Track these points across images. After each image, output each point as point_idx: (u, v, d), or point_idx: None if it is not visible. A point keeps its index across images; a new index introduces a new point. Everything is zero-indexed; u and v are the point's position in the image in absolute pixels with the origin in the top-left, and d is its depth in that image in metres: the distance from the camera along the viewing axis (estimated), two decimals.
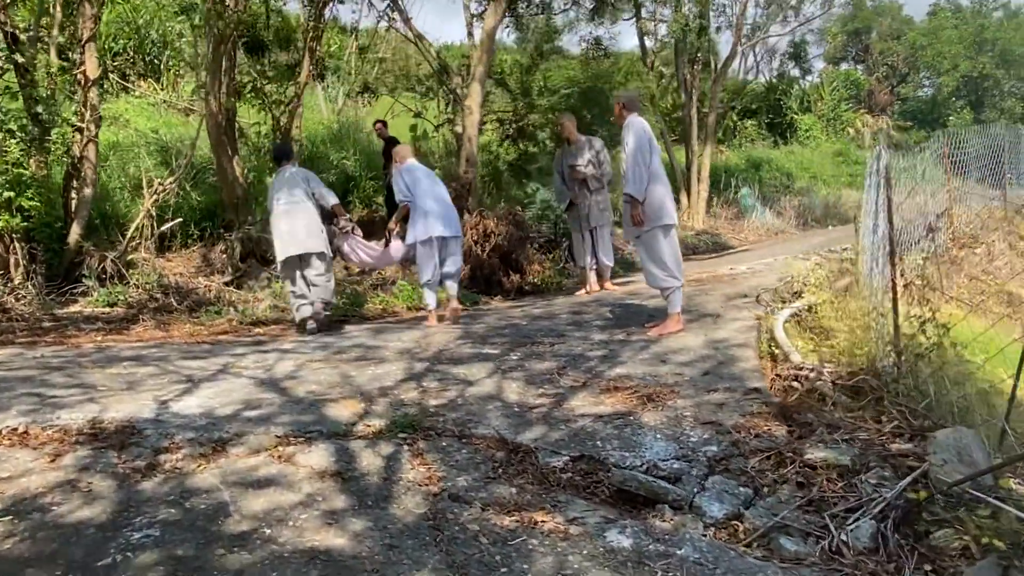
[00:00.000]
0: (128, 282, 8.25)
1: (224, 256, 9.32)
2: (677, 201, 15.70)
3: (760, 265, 9.29)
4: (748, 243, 14.66)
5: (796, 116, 28.56)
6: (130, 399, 4.09)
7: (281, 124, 9.28)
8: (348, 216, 7.29)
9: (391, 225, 7.31)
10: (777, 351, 4.69)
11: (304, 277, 6.75)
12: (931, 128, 31.16)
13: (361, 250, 7.20)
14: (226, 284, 8.82)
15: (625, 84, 13.04)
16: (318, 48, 9.74)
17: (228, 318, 7.64)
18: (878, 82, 36.12)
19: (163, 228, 8.97)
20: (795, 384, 4.04)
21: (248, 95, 9.40)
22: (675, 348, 4.98)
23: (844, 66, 38.33)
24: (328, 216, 6.91)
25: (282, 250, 6.64)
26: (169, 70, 16.00)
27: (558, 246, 10.78)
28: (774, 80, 31.95)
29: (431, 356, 5.15)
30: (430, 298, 6.92)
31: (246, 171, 9.90)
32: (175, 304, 8.01)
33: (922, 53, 30.48)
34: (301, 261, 6.67)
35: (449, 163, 13.35)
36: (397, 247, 7.11)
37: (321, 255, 6.70)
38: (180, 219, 9.32)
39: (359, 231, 7.29)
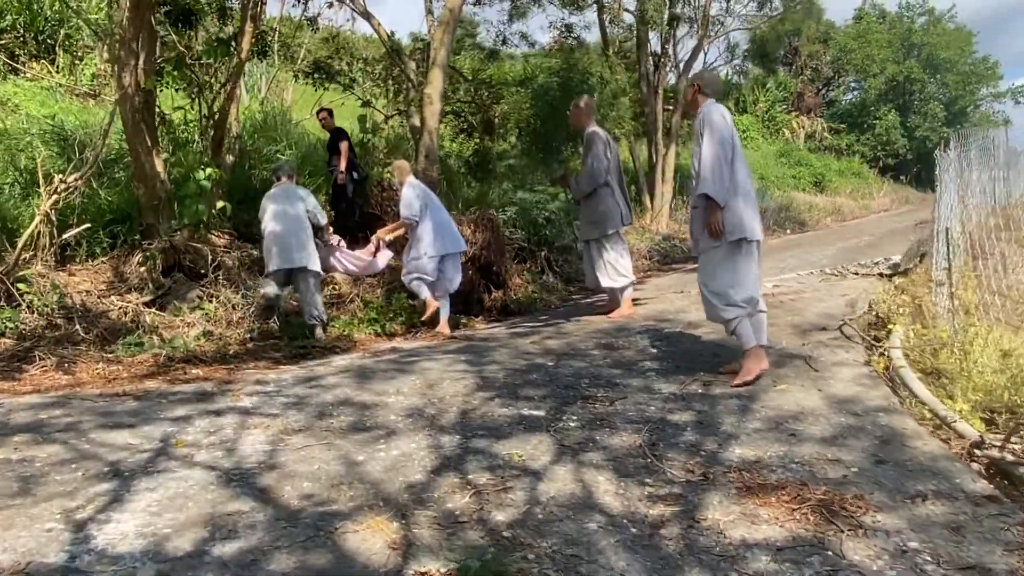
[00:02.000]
0: (19, 305, 6.53)
1: (142, 270, 7.65)
2: (638, 203, 14.67)
3: (792, 282, 8.14)
4: None
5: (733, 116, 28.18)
6: (24, 521, 2.62)
7: (214, 111, 7.68)
8: (331, 231, 7.51)
9: (381, 234, 7.37)
10: (922, 409, 3.58)
11: (278, 296, 6.85)
12: (860, 131, 31.49)
13: (348, 261, 7.33)
14: (146, 304, 7.18)
15: (591, 77, 11.85)
16: (261, 17, 8.16)
17: (153, 352, 6.05)
18: (805, 84, 36.44)
19: (66, 236, 7.24)
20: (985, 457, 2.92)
21: (172, 74, 7.74)
22: (791, 411, 3.81)
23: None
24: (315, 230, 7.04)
25: (271, 263, 6.79)
26: (66, 51, 13.92)
27: (533, 256, 9.54)
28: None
29: (456, 421, 3.81)
30: (438, 311, 6.90)
31: (169, 166, 8.24)
32: (81, 333, 6.36)
33: (852, 56, 30.65)
34: (289, 276, 6.83)
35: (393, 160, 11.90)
36: (385, 256, 7.34)
37: (308, 271, 6.77)
38: (87, 224, 7.60)
39: (343, 243, 7.52)
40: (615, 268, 6.98)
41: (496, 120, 10.54)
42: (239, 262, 8.15)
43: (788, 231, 17.09)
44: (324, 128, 10.47)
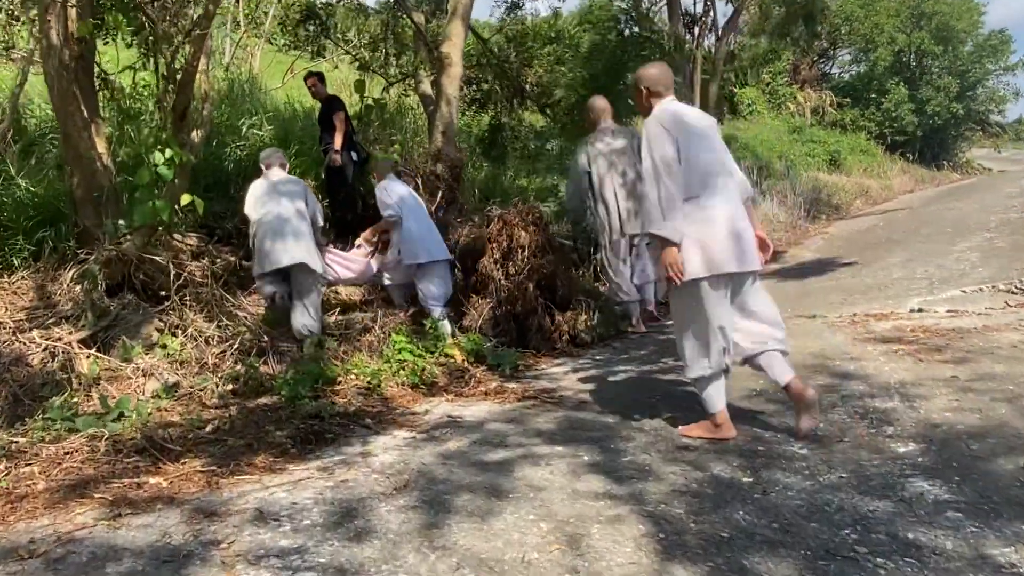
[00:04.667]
0: None
1: (77, 290, 5.54)
2: None
3: (960, 306, 6.01)
4: (787, 245, 11.71)
5: (736, 89, 26.29)
6: None
7: (175, 69, 5.53)
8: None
9: (367, 235, 6.62)
10: None
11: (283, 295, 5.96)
12: (864, 106, 29.87)
13: (339, 264, 6.45)
14: (82, 343, 5.09)
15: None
16: None
17: (89, 432, 3.98)
18: (799, 56, 34.67)
19: None
20: None
21: (116, 19, 5.54)
22: None
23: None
24: None
25: (263, 262, 5.83)
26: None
27: (583, 263, 7.57)
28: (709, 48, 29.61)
29: None
30: (398, 296, 6.61)
31: (115, 146, 6.10)
32: None
33: (859, 25, 28.89)
34: (287, 278, 5.92)
35: (405, 138, 9.80)
36: (378, 260, 6.61)
37: (307, 269, 5.80)
38: None
39: (332, 245, 6.74)
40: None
41: (528, 87, 8.46)
42: (213, 274, 6.07)
43: (824, 219, 15.32)
44: (315, 96, 8.38)
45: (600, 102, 6.76)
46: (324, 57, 15.24)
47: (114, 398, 4.68)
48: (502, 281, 5.96)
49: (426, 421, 4.23)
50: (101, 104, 6.20)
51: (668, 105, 3.62)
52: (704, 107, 13.26)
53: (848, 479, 3.02)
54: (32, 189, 6.08)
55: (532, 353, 5.79)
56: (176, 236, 6.09)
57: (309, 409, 4.38)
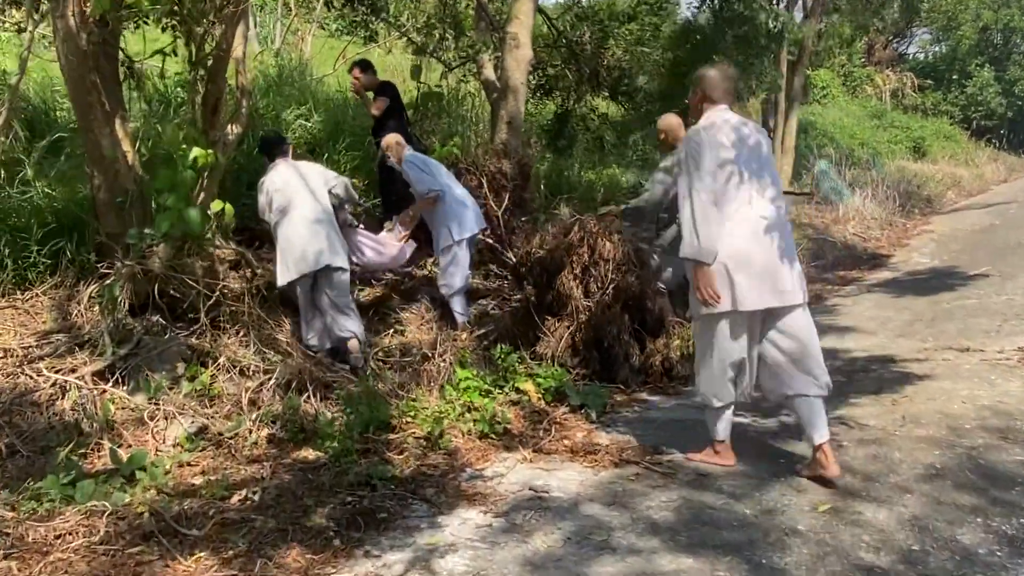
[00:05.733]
0: None
1: (97, 310, 4.82)
2: None
3: None
4: (889, 246, 10.49)
5: (809, 71, 24.70)
6: None
7: (204, 56, 4.74)
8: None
9: (405, 219, 5.97)
10: None
11: (316, 306, 5.24)
12: (947, 88, 27.97)
13: (367, 247, 5.76)
14: (96, 375, 4.38)
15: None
16: None
17: (89, 504, 3.22)
18: (874, 35, 32.73)
19: None
20: None
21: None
22: None
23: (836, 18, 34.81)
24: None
25: (293, 268, 5.12)
26: None
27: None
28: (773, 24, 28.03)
29: None
30: (460, 305, 5.76)
31: (143, 144, 5.37)
32: None
33: (941, 1, 26.95)
34: (317, 280, 5.18)
35: (465, 130, 8.94)
36: (411, 247, 5.95)
37: (333, 270, 5.15)
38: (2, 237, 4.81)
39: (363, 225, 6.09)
40: None
41: (607, 70, 7.48)
42: (254, 290, 5.30)
43: (919, 214, 13.97)
44: (357, 92, 7.42)
45: (673, 120, 5.88)
46: (376, 42, 14.47)
47: (130, 447, 3.96)
48: (583, 301, 5.06)
49: (503, 494, 3.37)
50: (127, 94, 5.47)
51: (719, 115, 3.42)
52: (789, 91, 12.12)
53: None
54: (51, 192, 5.38)
55: (620, 389, 4.88)
56: (212, 245, 5.32)
57: (358, 472, 3.56)
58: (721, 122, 3.38)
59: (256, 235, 6.22)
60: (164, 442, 4.04)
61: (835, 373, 4.86)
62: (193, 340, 4.78)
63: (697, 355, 3.62)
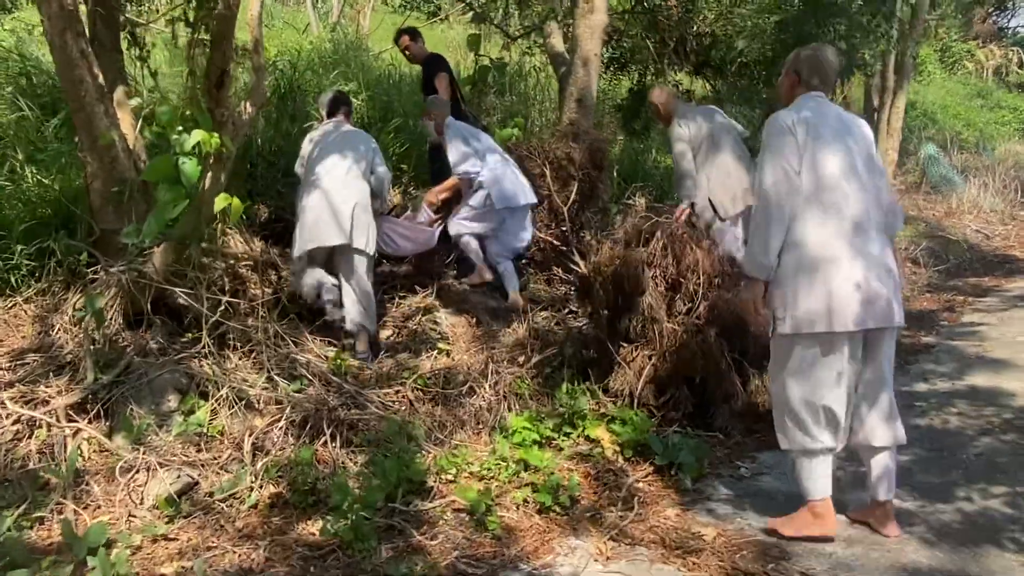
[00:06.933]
0: None
1: (84, 324, 4.02)
2: None
3: None
4: (1020, 246, 9.02)
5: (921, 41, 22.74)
6: None
7: (207, 16, 3.85)
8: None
9: (431, 198, 5.46)
10: None
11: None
12: None
13: (397, 234, 5.27)
14: (71, 409, 3.58)
15: None
16: None
17: None
18: (973, 6, 30.26)
19: None
20: None
21: None
22: None
23: None
24: None
25: (308, 238, 4.47)
26: None
27: None
28: None
29: None
30: (511, 282, 5.30)
31: (146, 126, 4.54)
32: None
33: None
34: (333, 258, 4.60)
35: (528, 108, 7.95)
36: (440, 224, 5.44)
37: (354, 251, 4.51)
38: None
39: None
40: None
41: (696, 38, 6.37)
42: (265, 303, 4.44)
43: None
44: (411, 60, 6.67)
45: (665, 92, 5.60)
46: (439, 17, 13.52)
47: (99, 508, 3.14)
48: (667, 324, 4.03)
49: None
50: (128, 67, 4.65)
51: (811, 102, 2.94)
52: (899, 66, 10.74)
53: None
54: (44, 180, 4.61)
55: (718, 437, 3.86)
56: (220, 249, 4.48)
57: (375, 569, 2.65)
58: (813, 108, 2.90)
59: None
60: (141, 503, 3.21)
61: (1009, 429, 3.76)
62: (194, 363, 3.95)
63: (772, 385, 3.10)
